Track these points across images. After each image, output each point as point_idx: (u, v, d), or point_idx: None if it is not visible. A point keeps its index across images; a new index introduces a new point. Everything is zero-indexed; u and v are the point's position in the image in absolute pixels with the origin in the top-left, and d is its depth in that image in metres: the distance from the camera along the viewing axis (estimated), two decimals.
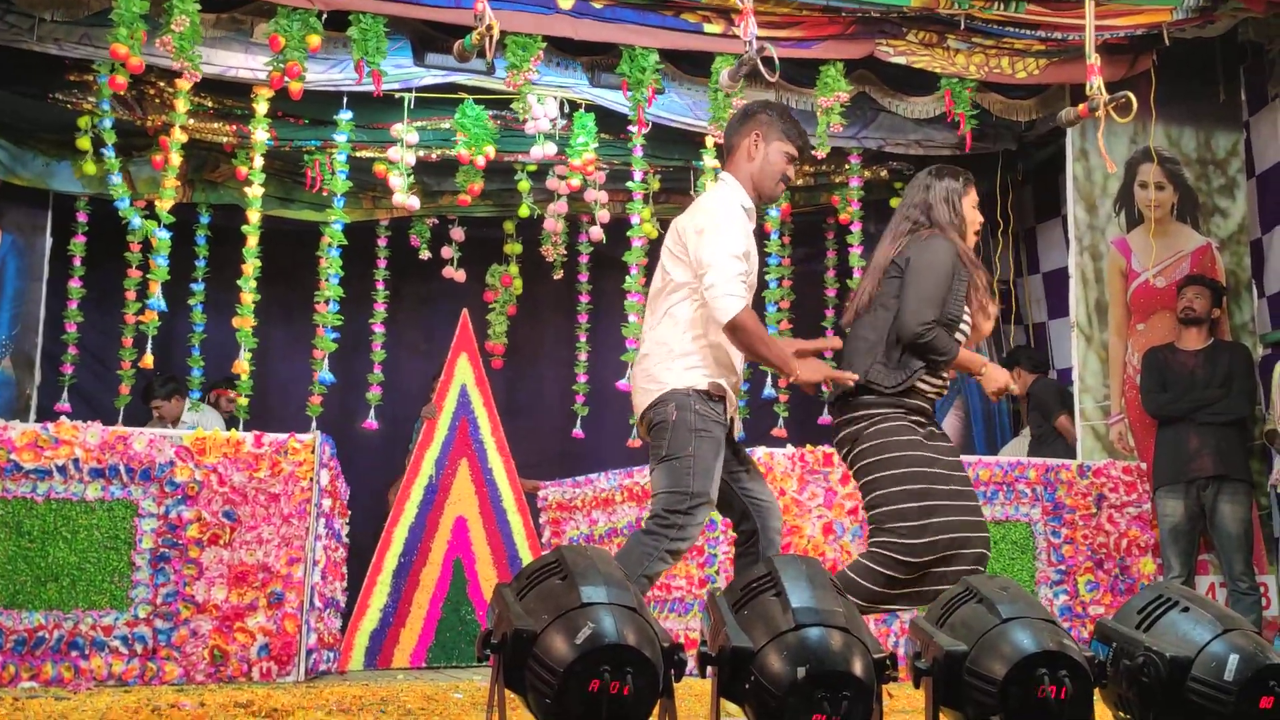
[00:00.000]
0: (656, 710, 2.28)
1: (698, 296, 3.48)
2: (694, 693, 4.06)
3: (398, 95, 6.11)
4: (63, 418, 4.80)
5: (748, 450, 5.15)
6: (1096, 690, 2.39)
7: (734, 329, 3.38)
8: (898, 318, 3.54)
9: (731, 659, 2.26)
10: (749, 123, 3.63)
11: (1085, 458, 5.82)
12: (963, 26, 5.79)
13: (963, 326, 3.62)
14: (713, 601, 2.45)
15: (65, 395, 6.72)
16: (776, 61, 3.93)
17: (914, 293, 3.51)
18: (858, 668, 2.23)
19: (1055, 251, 7.09)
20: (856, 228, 6.92)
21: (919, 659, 2.37)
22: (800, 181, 7.28)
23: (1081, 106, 5.02)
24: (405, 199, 6.31)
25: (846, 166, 6.91)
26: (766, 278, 6.89)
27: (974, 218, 3.72)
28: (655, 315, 3.59)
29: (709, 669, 2.32)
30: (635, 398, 3.59)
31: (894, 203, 7.41)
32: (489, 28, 4.01)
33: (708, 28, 5.69)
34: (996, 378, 3.61)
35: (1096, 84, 4.81)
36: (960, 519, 3.48)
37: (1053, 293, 7.18)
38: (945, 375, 3.64)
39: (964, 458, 5.27)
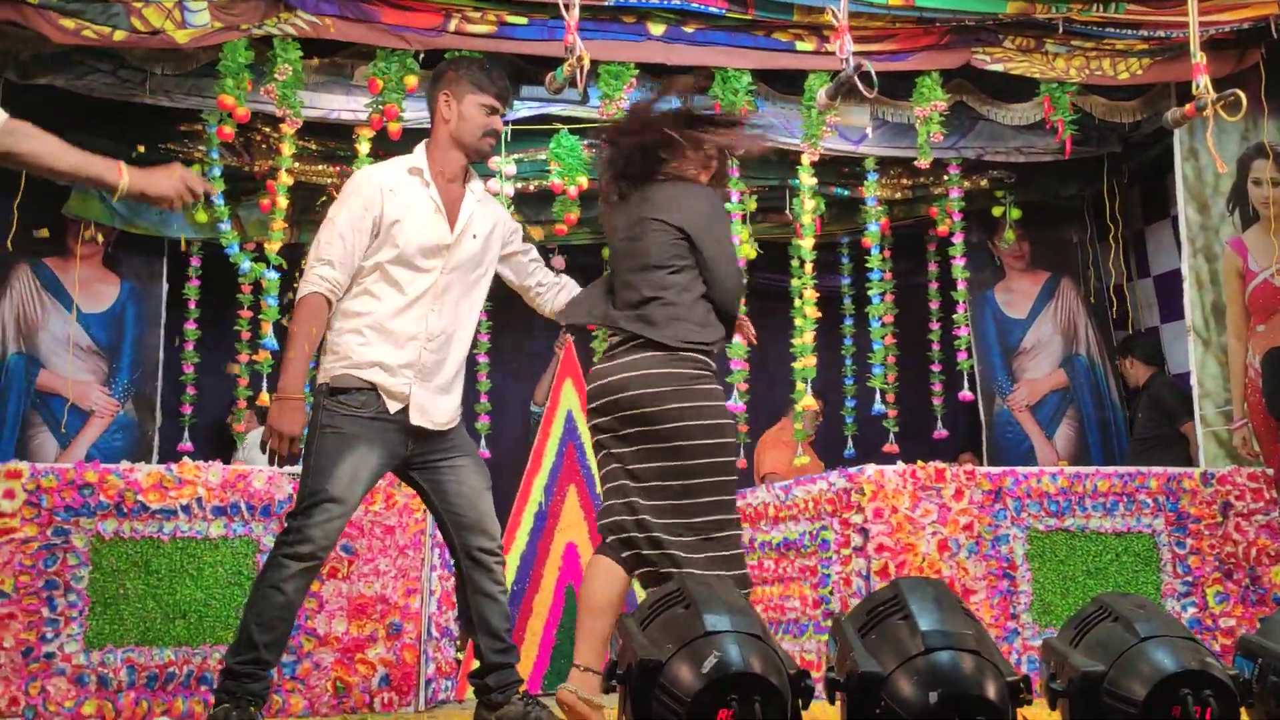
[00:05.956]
0: None
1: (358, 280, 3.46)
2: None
3: None
4: (185, 458, 4.93)
5: (851, 468, 5.11)
6: (1243, 710, 2.30)
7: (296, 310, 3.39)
8: None
9: (861, 684, 2.23)
10: (439, 84, 3.56)
11: (1208, 464, 5.64)
12: (1061, 30, 5.67)
13: None
14: (838, 626, 2.42)
15: (186, 435, 6.92)
16: (874, 77, 3.90)
17: None
18: (991, 691, 2.19)
19: (1166, 254, 6.90)
20: (958, 239, 6.83)
21: (1054, 680, 2.31)
22: (899, 194, 7.20)
23: (1188, 106, 4.88)
24: None
25: (946, 177, 6.82)
26: (869, 293, 6.81)
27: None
28: None
29: (837, 695, 2.29)
30: None
31: (996, 211, 7.32)
32: (580, 59, 4.05)
33: (799, 45, 5.66)
34: None
35: (1203, 83, 4.67)
36: None
37: (1165, 296, 6.99)
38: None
39: (1080, 469, 5.19)
